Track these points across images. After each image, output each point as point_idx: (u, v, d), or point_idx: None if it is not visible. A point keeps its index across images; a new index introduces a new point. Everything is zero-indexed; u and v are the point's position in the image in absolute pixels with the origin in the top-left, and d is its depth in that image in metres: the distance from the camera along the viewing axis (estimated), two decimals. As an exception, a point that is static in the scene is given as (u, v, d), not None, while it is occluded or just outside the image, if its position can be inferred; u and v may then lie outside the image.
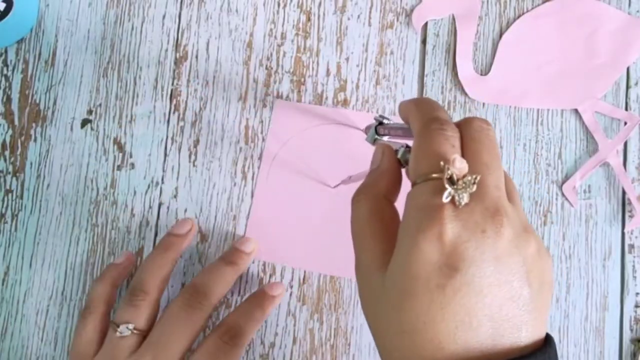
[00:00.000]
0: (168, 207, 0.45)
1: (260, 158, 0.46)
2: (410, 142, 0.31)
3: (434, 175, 0.28)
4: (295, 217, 0.45)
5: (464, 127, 0.31)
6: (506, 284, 0.27)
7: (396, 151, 0.33)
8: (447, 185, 0.27)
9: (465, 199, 0.27)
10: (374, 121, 0.39)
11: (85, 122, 0.47)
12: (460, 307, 0.26)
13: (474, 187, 0.27)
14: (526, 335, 0.27)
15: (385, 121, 0.38)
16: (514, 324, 0.27)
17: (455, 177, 0.27)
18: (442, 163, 0.27)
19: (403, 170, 0.33)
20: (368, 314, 0.30)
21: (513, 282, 0.27)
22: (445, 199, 0.27)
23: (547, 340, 0.28)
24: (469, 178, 0.27)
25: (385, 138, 0.38)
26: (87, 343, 0.42)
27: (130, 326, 0.41)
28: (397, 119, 0.41)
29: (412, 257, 0.27)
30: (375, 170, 0.33)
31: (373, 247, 0.30)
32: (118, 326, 0.41)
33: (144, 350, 0.40)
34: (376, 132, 0.38)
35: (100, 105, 0.47)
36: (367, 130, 0.40)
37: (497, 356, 0.27)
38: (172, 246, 0.43)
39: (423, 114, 0.31)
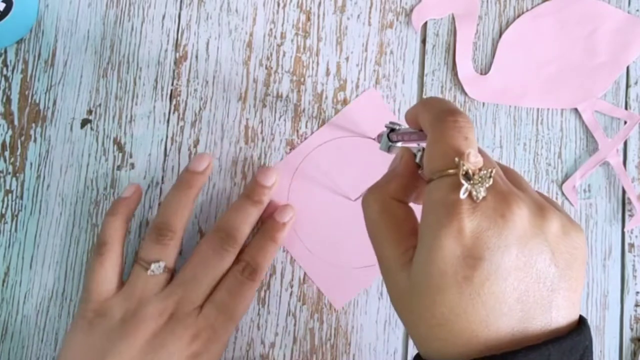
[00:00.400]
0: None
1: (259, 158, 0.46)
2: (424, 144, 0.32)
3: (450, 171, 0.28)
4: (317, 230, 0.45)
5: None
6: (531, 266, 0.27)
7: (414, 155, 0.33)
8: (463, 181, 0.27)
9: (482, 193, 0.27)
10: (385, 128, 0.39)
11: (85, 122, 0.47)
12: (489, 295, 0.26)
13: (490, 181, 0.27)
14: (557, 316, 0.27)
15: (396, 127, 0.38)
16: (542, 305, 0.27)
17: (470, 172, 0.27)
18: (456, 159, 0.27)
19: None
20: (399, 309, 0.31)
21: (537, 263, 0.27)
22: (463, 195, 0.27)
23: (581, 321, 0.28)
24: (485, 172, 0.27)
25: (399, 144, 0.38)
26: (106, 282, 0.42)
27: (162, 264, 0.41)
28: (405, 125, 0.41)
29: (435, 254, 0.27)
30: (389, 172, 0.33)
31: (391, 247, 0.30)
32: (149, 264, 0.41)
33: (175, 287, 0.41)
34: (389, 139, 0.38)
35: (100, 105, 0.47)
36: (379, 138, 0.40)
37: (529, 339, 0.27)
38: (192, 184, 0.43)
39: (432, 109, 0.31)
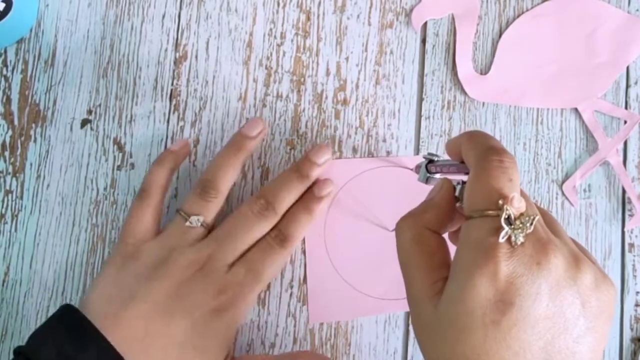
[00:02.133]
0: (168, 207, 0.45)
1: (259, 157, 0.46)
2: (463, 177, 0.32)
3: (490, 212, 0.28)
4: (346, 253, 0.46)
5: None
6: (560, 316, 0.27)
7: (454, 187, 0.33)
8: (504, 225, 0.27)
9: (521, 238, 0.27)
10: (422, 159, 0.39)
11: (85, 122, 0.47)
12: (515, 340, 0.27)
13: (531, 228, 0.27)
14: None
15: (434, 158, 0.38)
16: (566, 355, 0.27)
17: (512, 217, 0.27)
18: (500, 202, 0.28)
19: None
20: (421, 342, 0.31)
21: (567, 314, 0.27)
22: (502, 238, 0.27)
23: None
24: (527, 218, 0.27)
25: (437, 175, 0.38)
26: (144, 228, 0.43)
27: (201, 219, 0.42)
28: (444, 156, 0.41)
29: (467, 294, 0.27)
30: (426, 201, 0.33)
31: (420, 277, 0.31)
32: (189, 216, 0.42)
33: (209, 242, 0.42)
34: (427, 171, 0.38)
35: (100, 105, 0.47)
36: (417, 169, 0.40)
37: None
38: (243, 147, 0.44)
39: (477, 145, 0.31)
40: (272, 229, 0.43)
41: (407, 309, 0.44)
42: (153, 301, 0.39)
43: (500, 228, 0.27)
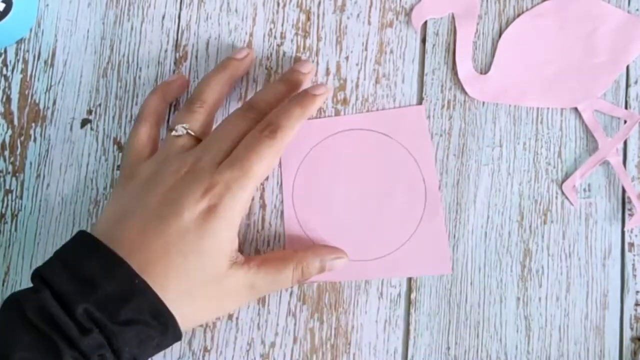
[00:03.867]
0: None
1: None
2: None
3: None
4: (324, 225, 0.47)
5: None
6: None
7: None
8: None
9: None
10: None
11: (85, 122, 0.48)
12: None
13: None
14: None
15: None
16: None
17: None
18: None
19: None
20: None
21: None
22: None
23: None
24: None
25: None
26: (141, 146, 0.44)
27: (186, 126, 0.43)
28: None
29: None
30: None
31: None
32: (174, 127, 0.43)
33: (197, 148, 0.43)
34: None
35: (100, 105, 0.48)
36: None
37: None
38: (230, 66, 0.46)
39: None
40: (259, 124, 0.43)
41: (380, 275, 0.46)
42: (147, 211, 0.40)
43: None
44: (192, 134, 0.43)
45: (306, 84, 0.45)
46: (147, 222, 0.40)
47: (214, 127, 0.45)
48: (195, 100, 0.44)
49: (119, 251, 0.39)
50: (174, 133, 0.43)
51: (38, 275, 0.38)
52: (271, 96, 0.44)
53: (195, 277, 0.40)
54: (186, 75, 0.47)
